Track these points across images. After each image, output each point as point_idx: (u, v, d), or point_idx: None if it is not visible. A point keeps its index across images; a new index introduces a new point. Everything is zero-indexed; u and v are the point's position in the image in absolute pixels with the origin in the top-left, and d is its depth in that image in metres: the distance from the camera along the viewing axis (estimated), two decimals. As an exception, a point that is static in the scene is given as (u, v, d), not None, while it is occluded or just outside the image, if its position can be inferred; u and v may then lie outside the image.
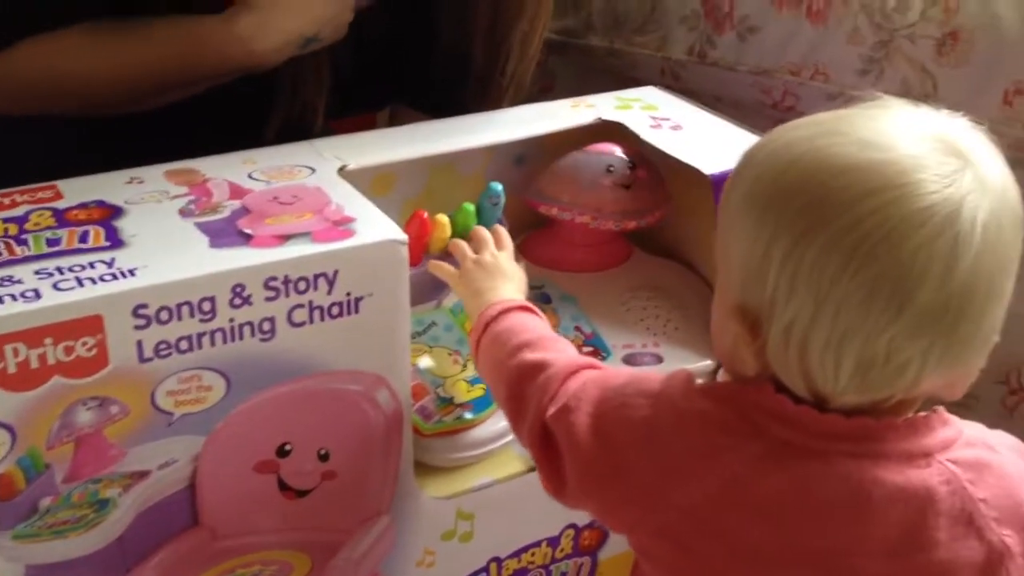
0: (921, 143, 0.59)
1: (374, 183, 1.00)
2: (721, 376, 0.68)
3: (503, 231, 0.92)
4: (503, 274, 0.85)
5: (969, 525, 0.61)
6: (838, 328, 0.58)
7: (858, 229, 0.57)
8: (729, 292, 0.64)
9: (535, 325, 0.78)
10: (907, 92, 1.23)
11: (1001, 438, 0.66)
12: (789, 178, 0.60)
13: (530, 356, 0.73)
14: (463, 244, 0.90)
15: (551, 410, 0.69)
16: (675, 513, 0.63)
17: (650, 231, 1.13)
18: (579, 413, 0.67)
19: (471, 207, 1.01)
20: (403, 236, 0.79)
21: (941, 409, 0.63)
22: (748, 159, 0.64)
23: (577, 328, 1.04)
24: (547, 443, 0.70)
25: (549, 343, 0.75)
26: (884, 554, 0.60)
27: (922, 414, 0.62)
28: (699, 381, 0.67)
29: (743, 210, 0.62)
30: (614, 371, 0.72)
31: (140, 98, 1.00)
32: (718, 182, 0.93)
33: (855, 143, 0.59)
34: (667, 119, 1.06)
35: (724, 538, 0.62)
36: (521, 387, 0.72)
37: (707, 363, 0.99)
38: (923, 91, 1.22)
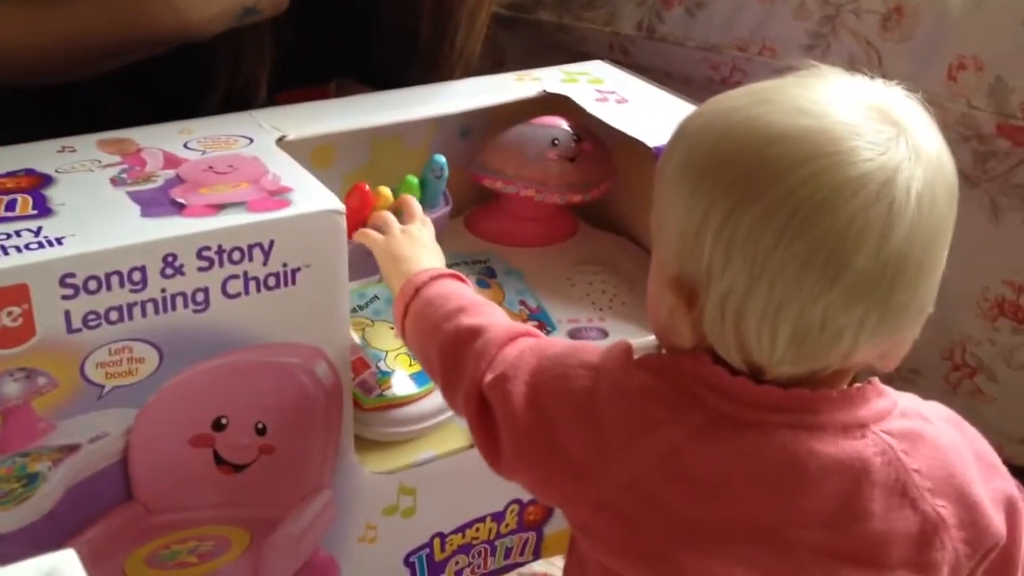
0: (855, 111, 0.58)
1: (315, 155, 0.99)
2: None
3: (427, 218, 0.90)
4: (427, 247, 0.84)
5: (903, 496, 0.61)
6: (774, 297, 0.58)
7: (792, 198, 0.57)
8: (665, 264, 0.63)
9: (468, 292, 0.77)
10: (853, 67, 1.22)
11: (935, 409, 0.66)
12: (723, 148, 0.60)
13: (467, 321, 0.72)
14: (390, 215, 0.89)
15: (488, 377, 0.68)
16: (614, 486, 0.62)
17: (596, 205, 1.12)
18: (516, 382, 0.66)
19: (414, 180, 1.00)
20: (340, 206, 0.78)
21: (876, 380, 0.63)
22: (682, 130, 0.64)
23: (522, 302, 1.03)
24: (483, 410, 0.69)
25: (485, 309, 0.74)
26: (820, 526, 0.60)
27: (857, 385, 0.62)
28: (637, 355, 0.66)
29: (678, 181, 0.61)
30: (551, 340, 0.71)
31: (70, 68, 0.97)
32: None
33: (788, 111, 0.59)
34: (613, 92, 1.06)
35: (665, 511, 0.61)
36: (456, 352, 0.71)
37: (651, 338, 0.98)
38: (869, 66, 1.22)
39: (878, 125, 0.58)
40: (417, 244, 0.84)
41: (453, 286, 0.77)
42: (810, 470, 0.60)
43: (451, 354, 0.72)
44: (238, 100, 1.03)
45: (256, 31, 1.02)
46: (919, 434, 0.62)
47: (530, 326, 0.74)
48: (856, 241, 0.57)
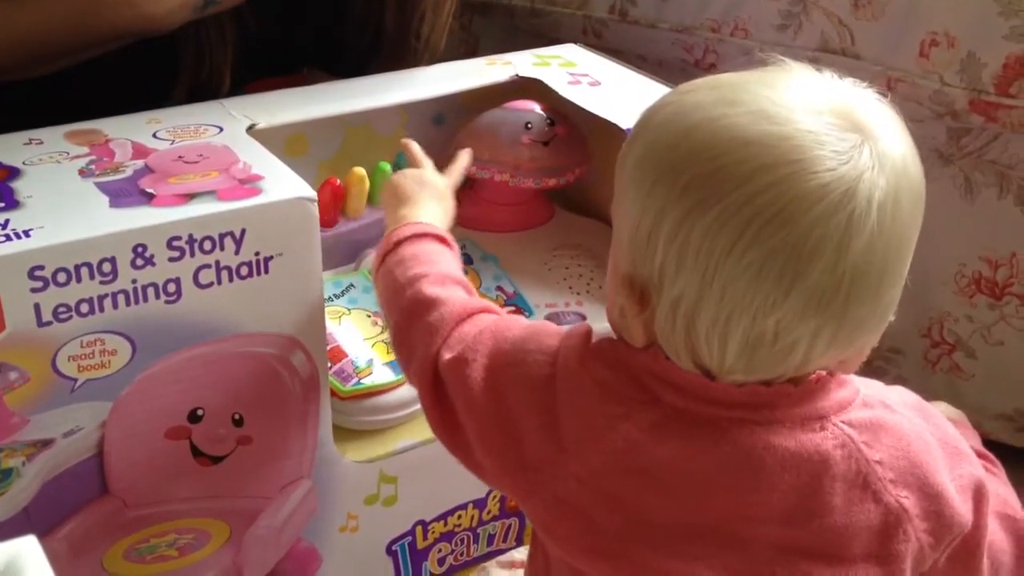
0: (820, 116, 0.56)
1: (287, 144, 0.98)
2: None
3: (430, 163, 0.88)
4: (429, 191, 0.82)
5: (865, 488, 0.59)
6: (725, 306, 0.56)
7: (749, 206, 0.55)
8: (620, 261, 0.61)
9: (442, 258, 0.74)
10: (825, 46, 1.23)
11: (899, 395, 0.64)
12: (681, 150, 0.57)
13: (426, 290, 0.70)
14: (418, 154, 0.87)
15: (445, 356, 0.66)
16: (572, 482, 0.61)
17: (572, 190, 1.12)
18: (475, 366, 0.65)
19: (387, 166, 1.00)
20: (312, 193, 0.77)
21: (835, 371, 0.61)
22: (645, 122, 0.61)
23: (499, 288, 1.03)
24: (436, 386, 0.67)
25: (449, 280, 0.71)
26: (780, 521, 0.59)
27: (817, 374, 0.60)
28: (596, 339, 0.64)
29: (635, 180, 0.59)
30: (511, 320, 0.69)
31: (30, 64, 0.96)
32: (636, 136, 0.92)
33: (751, 114, 0.56)
34: (585, 75, 1.06)
35: (622, 507, 0.60)
36: (411, 321, 0.69)
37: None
38: (841, 45, 1.22)
39: (842, 133, 0.56)
40: (419, 186, 0.82)
41: (428, 249, 0.74)
42: (767, 465, 0.58)
43: (406, 322, 0.70)
44: (203, 92, 1.02)
45: (218, 23, 1.02)
46: (881, 424, 0.61)
47: (489, 302, 0.72)
48: (812, 253, 0.55)
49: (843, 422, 0.60)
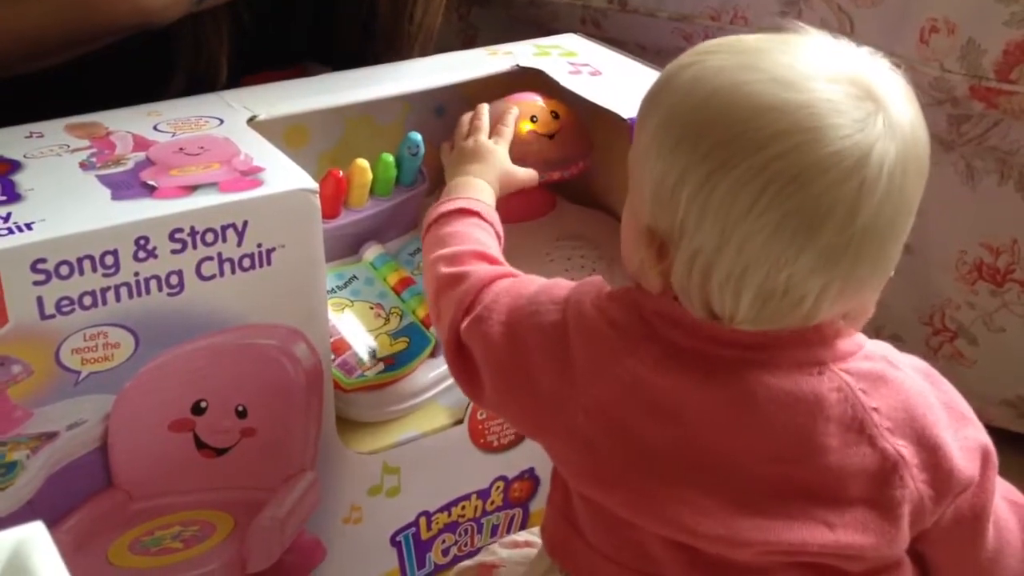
0: (837, 85, 0.59)
1: (288, 136, 0.98)
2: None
3: (507, 128, 0.96)
4: (478, 159, 0.90)
5: (861, 432, 0.61)
6: (740, 262, 0.60)
7: (767, 170, 0.58)
8: (639, 211, 0.64)
9: (469, 235, 0.79)
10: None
11: (908, 359, 0.66)
12: (704, 114, 0.60)
13: (452, 269, 0.75)
14: (462, 126, 0.95)
15: (465, 323, 0.71)
16: (582, 415, 0.64)
17: (574, 181, 1.12)
18: (491, 322, 0.69)
19: (390, 158, 1.00)
20: (314, 185, 0.77)
21: (838, 321, 0.64)
22: (667, 81, 0.64)
23: (501, 278, 1.03)
24: (460, 351, 0.72)
25: (474, 257, 0.76)
26: (774, 458, 0.61)
27: (815, 324, 0.63)
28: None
29: (657, 139, 0.62)
30: (525, 280, 0.73)
31: (29, 59, 0.96)
32: (637, 125, 0.92)
33: (772, 81, 0.59)
34: (586, 65, 1.05)
35: (624, 436, 0.63)
36: (438, 296, 0.75)
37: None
38: (841, 31, 1.22)
39: (858, 101, 0.59)
40: (464, 157, 0.90)
41: (458, 228, 0.80)
42: (760, 402, 0.61)
43: (435, 297, 0.76)
44: (200, 85, 1.02)
45: (214, 16, 1.02)
46: (881, 376, 0.63)
47: (508, 268, 0.76)
48: (825, 216, 0.58)
49: (842, 369, 0.62)
